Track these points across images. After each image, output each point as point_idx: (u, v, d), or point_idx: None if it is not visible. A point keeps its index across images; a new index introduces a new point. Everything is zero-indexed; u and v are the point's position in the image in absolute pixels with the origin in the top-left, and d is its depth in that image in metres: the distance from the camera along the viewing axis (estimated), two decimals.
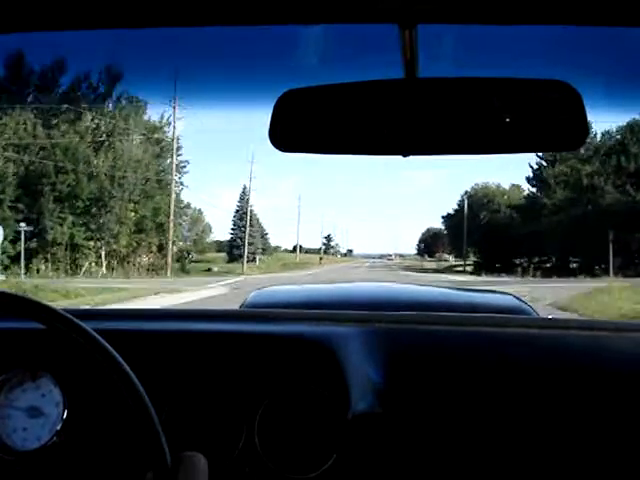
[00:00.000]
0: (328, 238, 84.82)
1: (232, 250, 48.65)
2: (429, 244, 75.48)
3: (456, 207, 50.24)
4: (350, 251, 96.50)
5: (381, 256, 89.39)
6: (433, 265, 54.33)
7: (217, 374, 1.16)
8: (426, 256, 73.93)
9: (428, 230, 79.65)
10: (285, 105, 0.93)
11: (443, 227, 55.64)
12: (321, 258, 57.69)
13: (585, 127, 0.89)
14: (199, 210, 53.21)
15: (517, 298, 2.27)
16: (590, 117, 0.89)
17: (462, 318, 1.37)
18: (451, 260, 54.67)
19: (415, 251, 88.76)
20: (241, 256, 46.96)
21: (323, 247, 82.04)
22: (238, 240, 48.53)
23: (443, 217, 52.14)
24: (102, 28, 0.80)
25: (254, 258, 46.87)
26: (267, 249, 55.45)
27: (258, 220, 54.05)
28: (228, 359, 1.17)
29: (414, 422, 1.08)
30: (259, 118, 1.09)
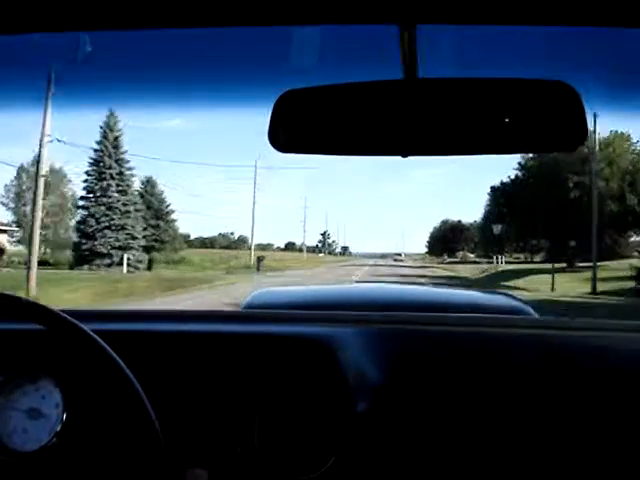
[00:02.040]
0: (324, 235, 79.18)
1: (80, 244, 25.60)
2: (447, 240, 59.39)
3: (517, 173, 32.09)
4: (345, 248, 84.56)
5: (383, 255, 75.64)
6: (468, 270, 32.64)
7: (216, 375, 1.16)
8: (445, 256, 56.80)
9: (444, 223, 63.67)
10: (285, 106, 0.93)
11: (490, 205, 37.08)
12: (260, 259, 32.65)
13: (584, 127, 0.89)
14: (59, 169, 28.99)
15: (516, 298, 2.27)
16: (590, 117, 0.89)
17: (461, 318, 1.37)
18: (502, 262, 33.08)
19: (425, 249, 71.59)
20: (96, 254, 24.48)
21: (319, 244, 76.17)
22: (91, 221, 25.26)
23: (492, 189, 35.23)
24: (100, 29, 0.80)
25: (121, 260, 24.71)
26: (170, 242, 31.27)
27: (151, 186, 30.44)
28: (227, 360, 1.17)
29: (414, 423, 1.08)
30: (259, 119, 1.09)
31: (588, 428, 1.07)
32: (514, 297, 2.32)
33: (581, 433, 1.07)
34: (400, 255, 68.49)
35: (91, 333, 0.85)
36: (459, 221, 61.64)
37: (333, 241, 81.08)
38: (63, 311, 0.89)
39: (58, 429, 1.10)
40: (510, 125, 0.90)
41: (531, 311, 2.00)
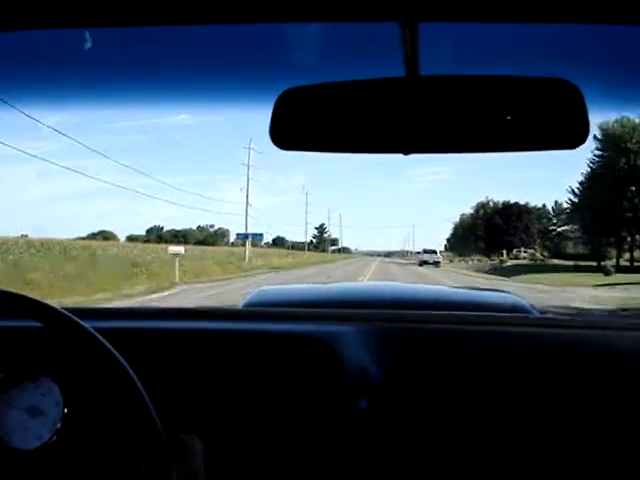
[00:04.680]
0: (321, 229, 69.25)
1: None
2: (495, 230, 40.45)
3: None
4: (334, 241, 71.26)
5: (388, 254, 65.55)
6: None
7: (216, 373, 1.16)
8: (503, 255, 38.15)
9: (482, 206, 43.78)
10: (286, 103, 0.93)
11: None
12: None
13: (586, 125, 0.89)
14: None
15: (518, 296, 2.27)
16: (591, 115, 0.89)
17: (463, 317, 1.37)
18: None
19: (445, 246, 51.69)
20: None
21: (314, 240, 63.93)
22: None
23: None
24: (100, 27, 0.79)
25: None
26: None
27: None
28: (228, 358, 1.17)
29: (415, 422, 1.08)
30: (260, 117, 1.09)
31: (590, 426, 1.07)
32: (516, 295, 2.31)
33: (583, 431, 1.07)
34: (435, 253, 37.99)
35: (92, 330, 0.85)
36: (507, 201, 39.76)
37: (329, 235, 71.99)
38: (63, 308, 0.89)
39: (58, 427, 1.10)
40: (512, 123, 0.90)
41: (532, 309, 2.00)
